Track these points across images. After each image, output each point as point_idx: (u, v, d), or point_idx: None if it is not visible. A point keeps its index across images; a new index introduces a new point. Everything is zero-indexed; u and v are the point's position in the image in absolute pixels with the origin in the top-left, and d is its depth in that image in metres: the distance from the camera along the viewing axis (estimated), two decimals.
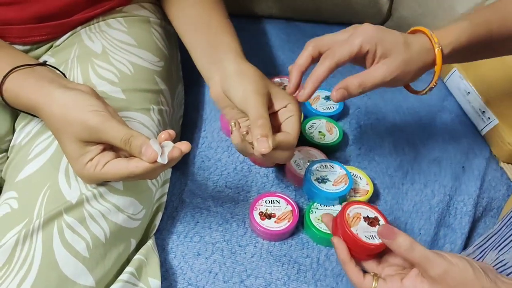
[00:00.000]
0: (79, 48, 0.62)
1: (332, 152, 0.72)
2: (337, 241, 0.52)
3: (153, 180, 0.58)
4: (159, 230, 0.60)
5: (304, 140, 0.71)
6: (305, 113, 0.77)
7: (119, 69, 0.61)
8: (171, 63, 0.71)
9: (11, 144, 0.58)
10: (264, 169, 0.68)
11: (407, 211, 0.67)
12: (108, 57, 0.61)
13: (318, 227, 0.59)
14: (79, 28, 0.65)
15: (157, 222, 0.60)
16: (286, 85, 0.80)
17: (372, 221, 0.55)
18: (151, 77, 0.64)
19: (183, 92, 0.78)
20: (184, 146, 0.45)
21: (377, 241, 0.52)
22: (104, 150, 0.47)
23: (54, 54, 0.64)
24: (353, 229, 0.53)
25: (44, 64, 0.54)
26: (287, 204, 0.61)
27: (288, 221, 0.59)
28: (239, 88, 0.53)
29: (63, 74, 0.56)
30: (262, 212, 0.60)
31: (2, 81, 0.49)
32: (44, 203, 0.48)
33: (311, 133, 0.72)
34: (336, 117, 0.77)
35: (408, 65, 0.52)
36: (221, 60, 0.58)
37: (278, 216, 0.60)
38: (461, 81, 0.83)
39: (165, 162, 0.44)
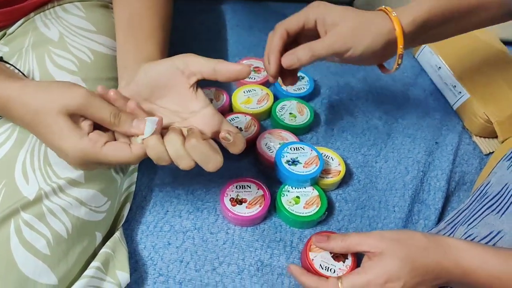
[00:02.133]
0: (34, 35, 0.59)
1: (304, 133, 0.71)
2: (290, 265, 0.53)
3: (118, 170, 0.56)
4: (127, 221, 0.58)
5: (275, 122, 0.70)
6: (275, 94, 0.75)
7: (78, 57, 0.58)
8: None
9: None
10: (237, 154, 0.67)
11: (381, 190, 0.67)
12: (66, 45, 0.58)
13: (289, 210, 0.58)
14: (32, 14, 0.62)
15: (125, 212, 0.58)
16: (256, 67, 0.79)
17: (338, 256, 0.54)
18: (112, 64, 0.61)
19: None
20: None
21: (332, 275, 0.51)
22: (94, 128, 0.44)
23: (7, 43, 0.61)
24: (311, 254, 0.52)
25: (0, 60, 0.52)
26: (258, 189, 0.60)
27: (260, 206, 0.58)
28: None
29: (23, 74, 0.53)
30: (233, 198, 0.59)
31: None
32: None
33: (281, 115, 0.70)
34: (307, 98, 0.75)
35: (358, 32, 0.51)
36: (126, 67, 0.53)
37: (249, 201, 0.58)
38: (431, 57, 0.82)
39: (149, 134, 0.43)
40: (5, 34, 0.61)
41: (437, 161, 0.71)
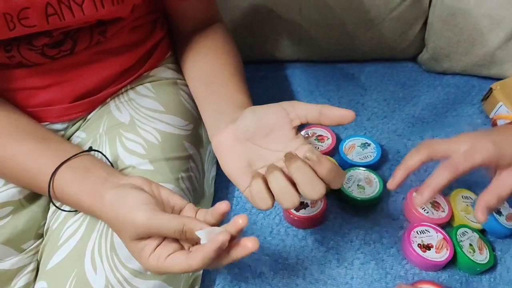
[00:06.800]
0: (107, 120, 0.62)
1: (374, 205, 0.68)
2: None
3: None
4: None
5: (341, 195, 0.67)
6: (341, 164, 0.73)
7: (146, 140, 0.59)
8: (200, 123, 0.69)
9: (45, 228, 0.58)
10: (302, 231, 0.65)
11: None
12: (135, 128, 0.60)
13: None
14: (108, 99, 0.65)
15: None
16: (319, 135, 0.77)
17: None
18: (179, 144, 0.62)
19: None
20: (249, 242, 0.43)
21: None
22: (165, 239, 0.45)
23: (85, 128, 0.64)
24: None
25: (90, 150, 0.55)
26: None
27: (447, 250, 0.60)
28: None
29: (109, 162, 0.56)
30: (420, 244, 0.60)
31: (50, 181, 0.50)
32: None
33: (349, 187, 0.67)
34: (375, 166, 0.72)
35: None
36: (226, 111, 0.55)
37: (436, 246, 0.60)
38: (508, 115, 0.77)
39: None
40: (84, 119, 0.65)
41: None
